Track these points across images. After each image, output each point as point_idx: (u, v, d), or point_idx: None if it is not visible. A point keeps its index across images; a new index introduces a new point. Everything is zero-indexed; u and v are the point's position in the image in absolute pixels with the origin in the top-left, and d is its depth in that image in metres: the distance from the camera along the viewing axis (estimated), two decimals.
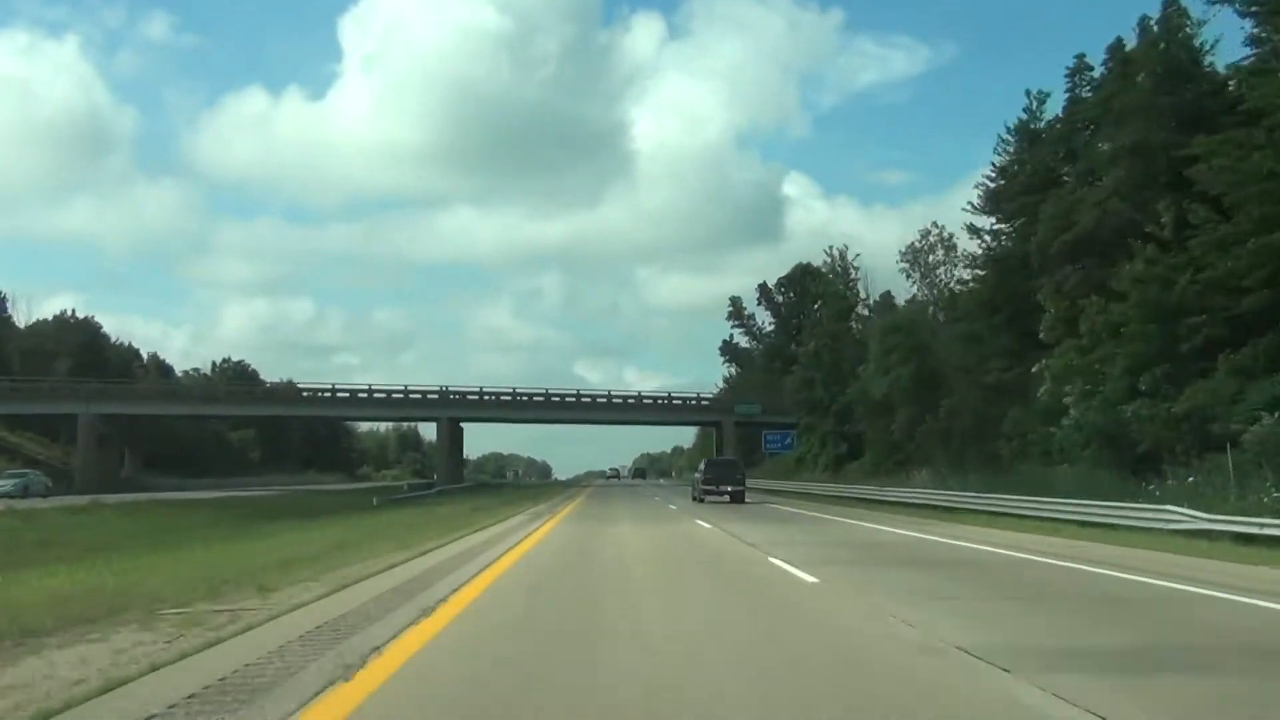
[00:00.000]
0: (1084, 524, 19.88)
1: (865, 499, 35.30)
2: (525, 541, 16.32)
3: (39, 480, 52.34)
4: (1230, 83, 27.70)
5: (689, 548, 16.13)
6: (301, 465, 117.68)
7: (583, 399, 71.73)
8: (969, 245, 43.44)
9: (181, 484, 74.22)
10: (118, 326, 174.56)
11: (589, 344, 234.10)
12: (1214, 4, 27.42)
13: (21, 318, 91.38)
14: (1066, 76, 36.84)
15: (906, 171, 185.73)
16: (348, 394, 67.57)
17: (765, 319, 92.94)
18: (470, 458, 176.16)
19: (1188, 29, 29.80)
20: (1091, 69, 35.65)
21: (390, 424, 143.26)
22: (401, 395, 67.00)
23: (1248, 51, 26.37)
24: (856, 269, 60.86)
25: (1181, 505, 17.76)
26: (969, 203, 41.81)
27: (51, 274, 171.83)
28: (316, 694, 5.04)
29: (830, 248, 62.37)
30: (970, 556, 14.47)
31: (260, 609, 8.11)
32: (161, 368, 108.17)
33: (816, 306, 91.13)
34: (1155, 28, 30.67)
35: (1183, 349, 25.30)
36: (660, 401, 74.40)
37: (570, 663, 6.11)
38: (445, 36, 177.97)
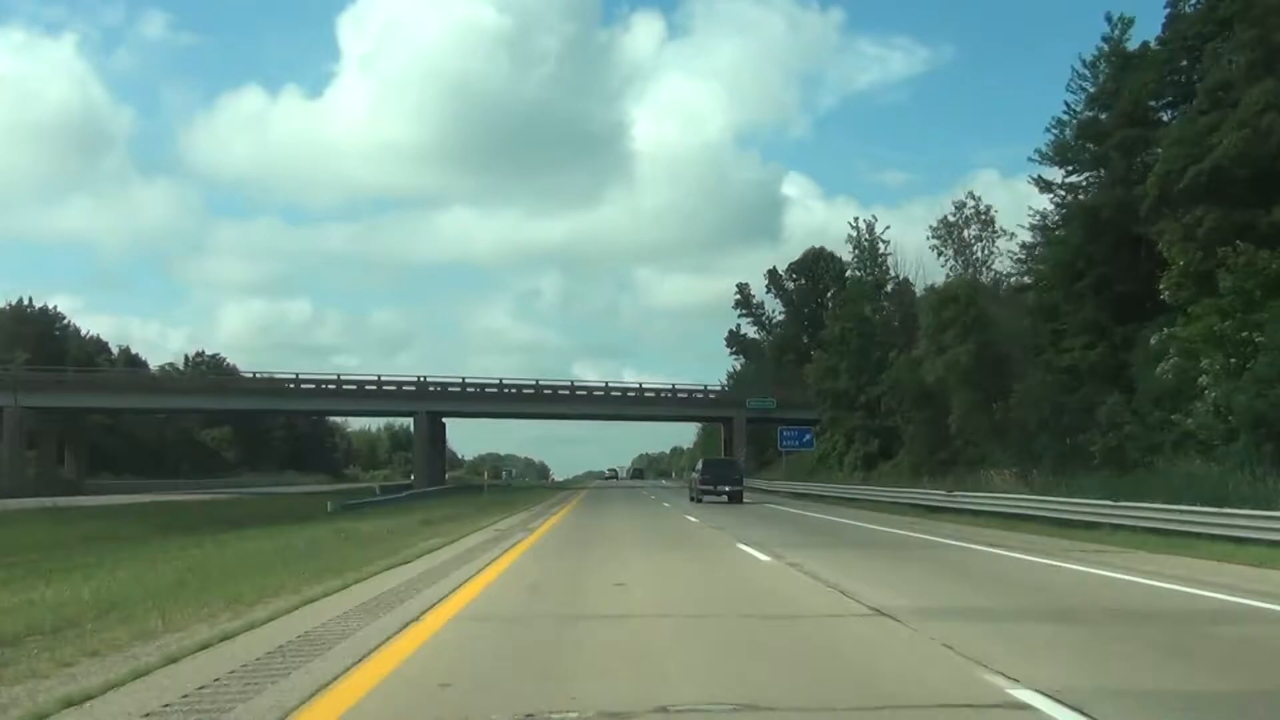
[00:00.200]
0: None
1: (924, 505, 28.35)
2: (448, 602, 9.22)
3: None
4: None
5: (766, 627, 7.96)
6: (280, 466, 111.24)
7: (578, 391, 64.61)
8: (1021, 211, 36.48)
9: (137, 486, 67.72)
10: (115, 327, 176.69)
11: (588, 345, 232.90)
12: None
13: None
14: None
15: (907, 172, 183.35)
16: (312, 385, 60.23)
17: (775, 308, 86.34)
18: (465, 458, 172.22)
19: None
20: None
21: (383, 423, 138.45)
22: (374, 386, 59.87)
23: None
24: (886, 243, 53.89)
25: None
26: (1036, 151, 34.83)
27: (49, 274, 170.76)
28: None
29: (856, 219, 55.36)
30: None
31: None
32: (134, 363, 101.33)
33: (831, 295, 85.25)
34: None
35: None
36: (664, 395, 67.18)
37: None
38: (444, 35, 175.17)
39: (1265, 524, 14.59)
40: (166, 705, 4.98)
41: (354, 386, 60.19)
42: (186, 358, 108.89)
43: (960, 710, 4.92)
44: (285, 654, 6.28)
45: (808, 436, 57.85)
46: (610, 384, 66.21)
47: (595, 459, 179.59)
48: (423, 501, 40.03)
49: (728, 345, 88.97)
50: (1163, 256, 24.42)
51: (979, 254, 50.89)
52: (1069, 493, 22.41)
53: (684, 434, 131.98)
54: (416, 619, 7.83)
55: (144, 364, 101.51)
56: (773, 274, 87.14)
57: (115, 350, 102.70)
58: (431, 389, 61.18)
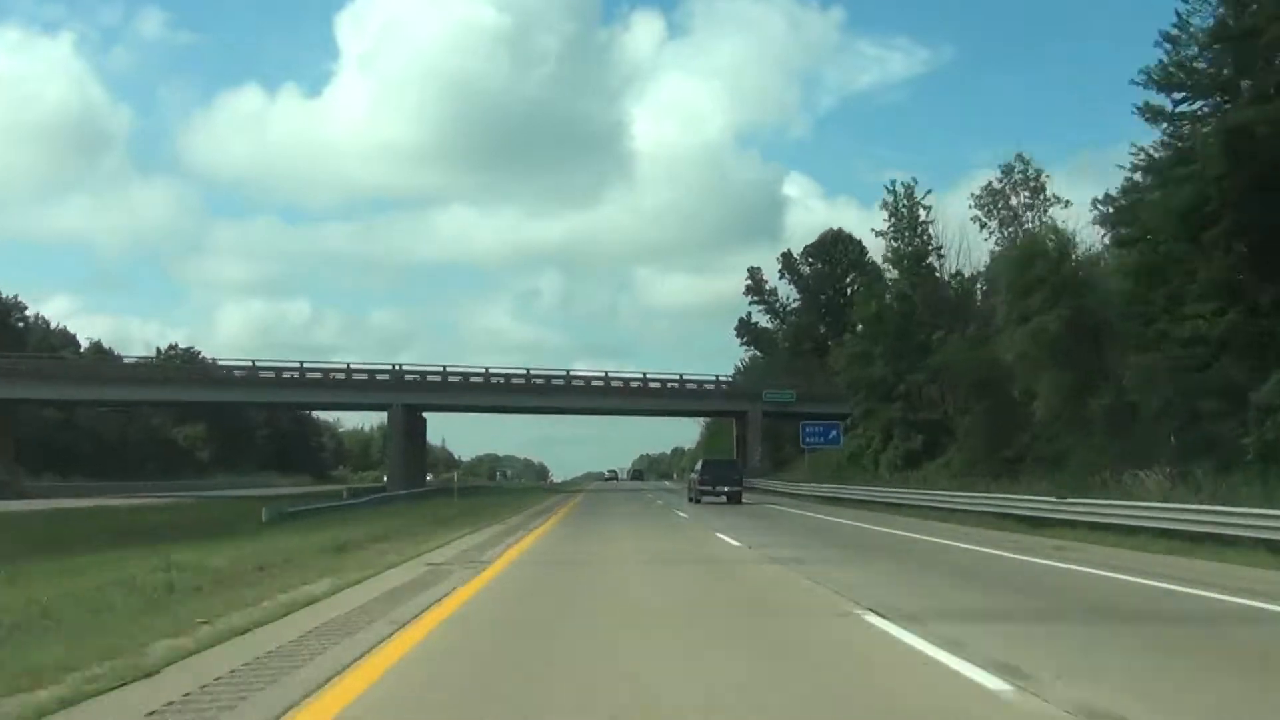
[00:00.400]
0: None
1: (1013, 514, 21.54)
2: None
3: None
4: None
5: None
6: (261, 466, 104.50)
7: (574, 383, 57.62)
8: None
9: (87, 488, 61.01)
10: (114, 327, 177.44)
11: (587, 345, 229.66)
12: None
13: None
14: None
15: (907, 172, 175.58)
16: (271, 373, 53.14)
17: (788, 294, 79.57)
18: (462, 459, 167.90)
19: None
20: None
21: (377, 421, 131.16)
22: (343, 375, 52.89)
23: None
24: (928, 209, 46.89)
25: None
26: (1141, 73, 27.81)
27: (46, 274, 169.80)
28: None
29: (893, 181, 48.31)
30: None
31: None
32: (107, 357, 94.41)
33: (850, 279, 78.61)
34: None
35: None
36: (670, 386, 60.14)
37: None
38: (443, 34, 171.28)
39: None
40: None
41: (319, 375, 53.11)
42: (159, 350, 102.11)
43: None
44: None
45: (834, 432, 50.97)
46: (610, 374, 59.16)
47: (595, 460, 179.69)
48: (382, 509, 33.28)
49: (738, 335, 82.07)
50: None
51: (1030, 224, 44.30)
52: (1265, 502, 15.52)
53: (686, 434, 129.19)
54: None
55: (117, 359, 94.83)
56: (786, 257, 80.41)
57: (85, 344, 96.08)
58: (409, 379, 54.28)
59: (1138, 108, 27.54)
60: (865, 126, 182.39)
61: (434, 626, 7.76)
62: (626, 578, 11.41)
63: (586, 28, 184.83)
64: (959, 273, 44.77)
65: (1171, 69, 26.85)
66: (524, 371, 57.42)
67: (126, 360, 66.47)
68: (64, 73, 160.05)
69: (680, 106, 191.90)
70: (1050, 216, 42.39)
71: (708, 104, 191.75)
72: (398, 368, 54.57)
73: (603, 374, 58.81)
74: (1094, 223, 32.02)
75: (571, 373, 58.15)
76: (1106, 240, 32.23)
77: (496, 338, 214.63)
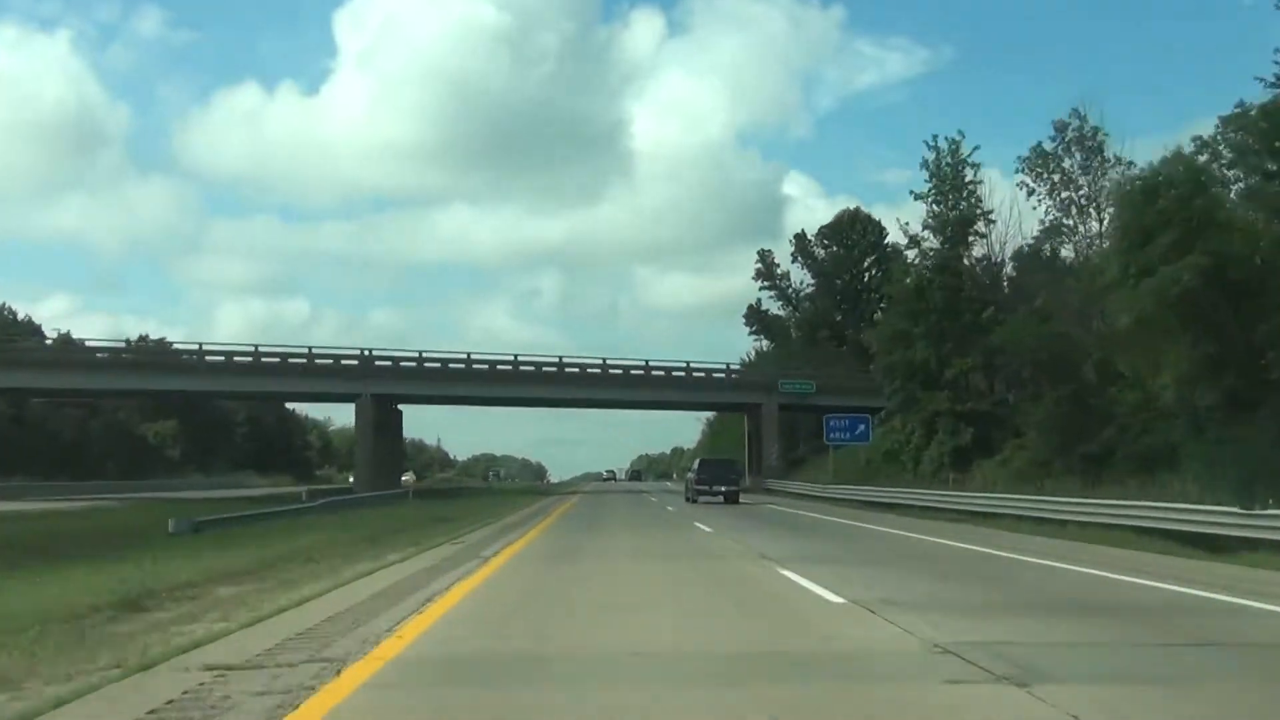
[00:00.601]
0: None
1: (1172, 530, 15.38)
2: None
3: None
4: None
5: None
6: (239, 465, 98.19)
7: (568, 369, 51.16)
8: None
9: (28, 489, 54.76)
10: (112, 327, 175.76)
11: (588, 345, 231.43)
12: None
13: None
14: None
15: (908, 171, 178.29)
16: (222, 357, 46.63)
17: (802, 279, 73.51)
18: (457, 459, 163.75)
19: None
20: None
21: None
22: (303, 360, 46.33)
23: None
24: (975, 167, 40.51)
25: None
26: None
27: (44, 274, 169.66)
28: None
29: (934, 137, 41.80)
30: None
31: None
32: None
33: (870, 263, 72.73)
34: None
35: None
36: (675, 374, 53.62)
37: None
38: (442, 32, 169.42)
39: None
40: None
41: (276, 360, 46.57)
42: (128, 341, 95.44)
43: None
44: None
45: (862, 427, 44.89)
46: (608, 360, 52.58)
47: (595, 461, 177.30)
48: (324, 518, 27.06)
49: (746, 323, 75.89)
50: None
51: (1087, 189, 38.13)
52: None
53: (686, 434, 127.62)
54: None
55: (79, 344, 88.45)
56: (800, 239, 74.30)
57: (53, 334, 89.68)
58: (380, 364, 47.87)
59: None
60: (866, 125, 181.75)
61: None
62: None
63: (586, 26, 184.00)
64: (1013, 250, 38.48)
65: None
66: (511, 357, 50.95)
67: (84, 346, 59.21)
68: (61, 70, 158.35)
69: (680, 105, 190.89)
70: (1109, 179, 36.61)
71: (708, 102, 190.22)
72: (367, 352, 47.99)
73: (600, 360, 52.35)
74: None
75: (565, 359, 51.69)
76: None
77: (496, 337, 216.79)
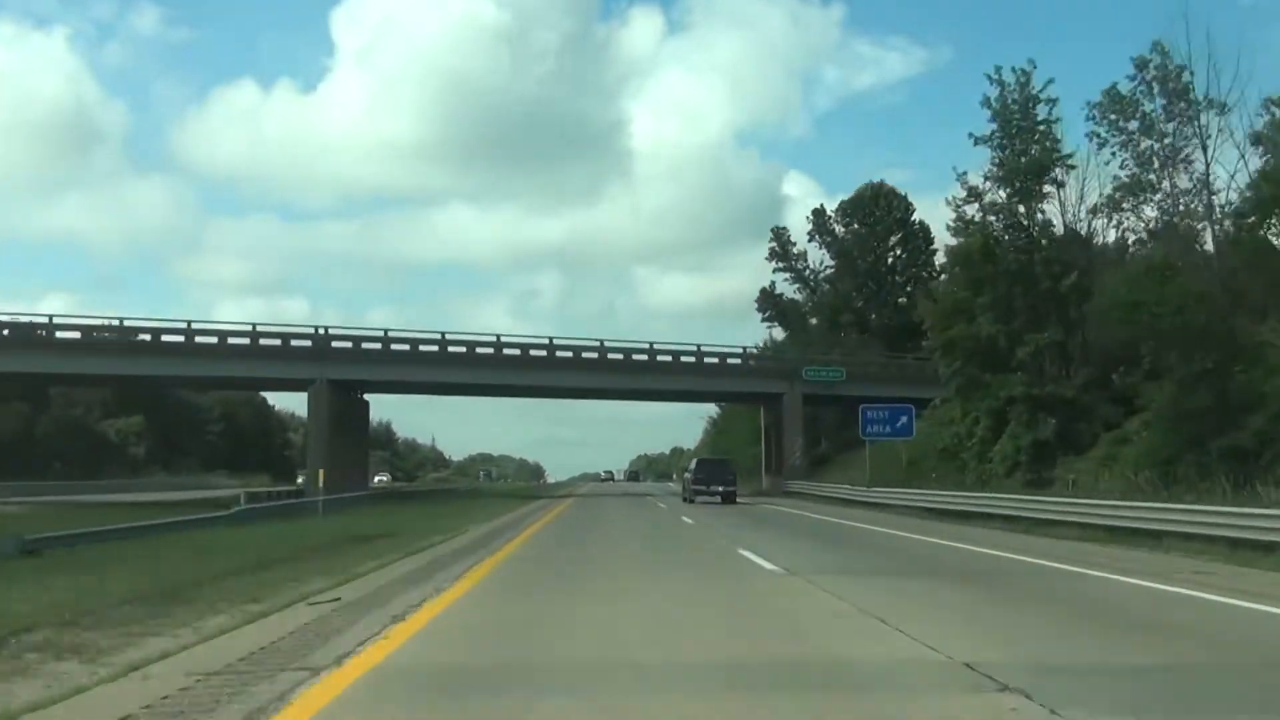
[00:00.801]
0: None
1: None
2: None
3: None
4: None
5: None
6: (211, 464, 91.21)
7: (559, 354, 44.05)
8: None
9: None
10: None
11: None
12: None
13: None
14: None
15: (909, 171, 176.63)
16: (148, 335, 39.40)
17: (820, 260, 66.62)
18: (453, 459, 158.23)
19: None
20: None
21: None
22: (246, 340, 39.17)
23: None
24: (1051, 104, 33.44)
25: None
26: None
27: (41, 274, 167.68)
28: None
29: (997, 69, 34.41)
30: None
31: None
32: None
33: (894, 243, 65.98)
34: None
35: None
36: (684, 359, 46.37)
37: None
38: (440, 30, 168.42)
39: None
40: None
41: (214, 339, 39.43)
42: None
43: None
44: None
45: (904, 419, 37.83)
46: (606, 342, 45.45)
47: (594, 461, 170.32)
48: (222, 533, 20.10)
49: (759, 309, 68.70)
50: None
51: (1173, 139, 31.10)
52: None
53: (686, 434, 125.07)
54: None
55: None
56: (818, 215, 67.30)
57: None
58: (337, 345, 40.80)
59: None
60: (866, 124, 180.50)
61: None
62: None
63: (585, 24, 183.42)
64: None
65: None
66: (494, 338, 43.89)
67: None
68: (57, 68, 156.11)
69: (679, 104, 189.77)
70: (1199, 125, 29.75)
71: (707, 101, 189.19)
72: (323, 331, 40.93)
73: (597, 342, 45.17)
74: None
75: (555, 340, 44.60)
76: None
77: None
